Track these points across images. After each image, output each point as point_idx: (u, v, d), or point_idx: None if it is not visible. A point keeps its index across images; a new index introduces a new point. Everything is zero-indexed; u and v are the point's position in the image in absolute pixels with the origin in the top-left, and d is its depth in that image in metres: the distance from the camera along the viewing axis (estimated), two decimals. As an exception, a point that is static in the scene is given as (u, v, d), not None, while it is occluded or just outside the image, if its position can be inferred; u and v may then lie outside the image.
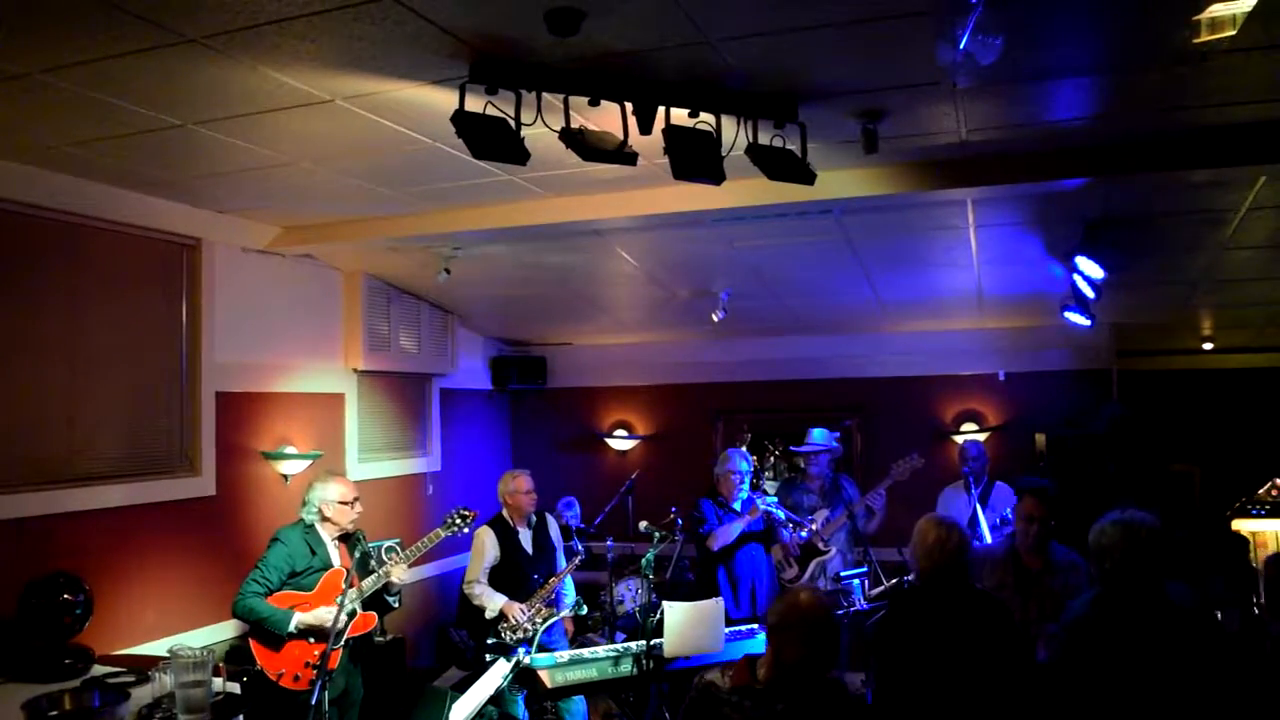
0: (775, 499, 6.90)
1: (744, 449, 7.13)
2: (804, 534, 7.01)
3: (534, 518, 6.49)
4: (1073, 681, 3.63)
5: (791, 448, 7.57)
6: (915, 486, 7.32)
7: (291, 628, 4.93)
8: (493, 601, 6.10)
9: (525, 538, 6.42)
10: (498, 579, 6.23)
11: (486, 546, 6.28)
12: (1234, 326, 8.76)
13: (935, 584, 4.11)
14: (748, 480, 6.88)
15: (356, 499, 5.37)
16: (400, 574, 5.24)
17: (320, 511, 5.28)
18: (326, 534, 5.29)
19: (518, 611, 6.02)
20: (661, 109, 3.85)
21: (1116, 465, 7.68)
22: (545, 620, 5.98)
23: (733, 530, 6.62)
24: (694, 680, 3.52)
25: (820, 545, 7.06)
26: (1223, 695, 3.42)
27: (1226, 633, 4.20)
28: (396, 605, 5.43)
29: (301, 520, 5.31)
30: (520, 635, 5.89)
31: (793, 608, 3.34)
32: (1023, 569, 4.96)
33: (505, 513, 6.45)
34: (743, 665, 3.45)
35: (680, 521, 6.63)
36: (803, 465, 7.51)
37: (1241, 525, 6.69)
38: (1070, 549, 4.92)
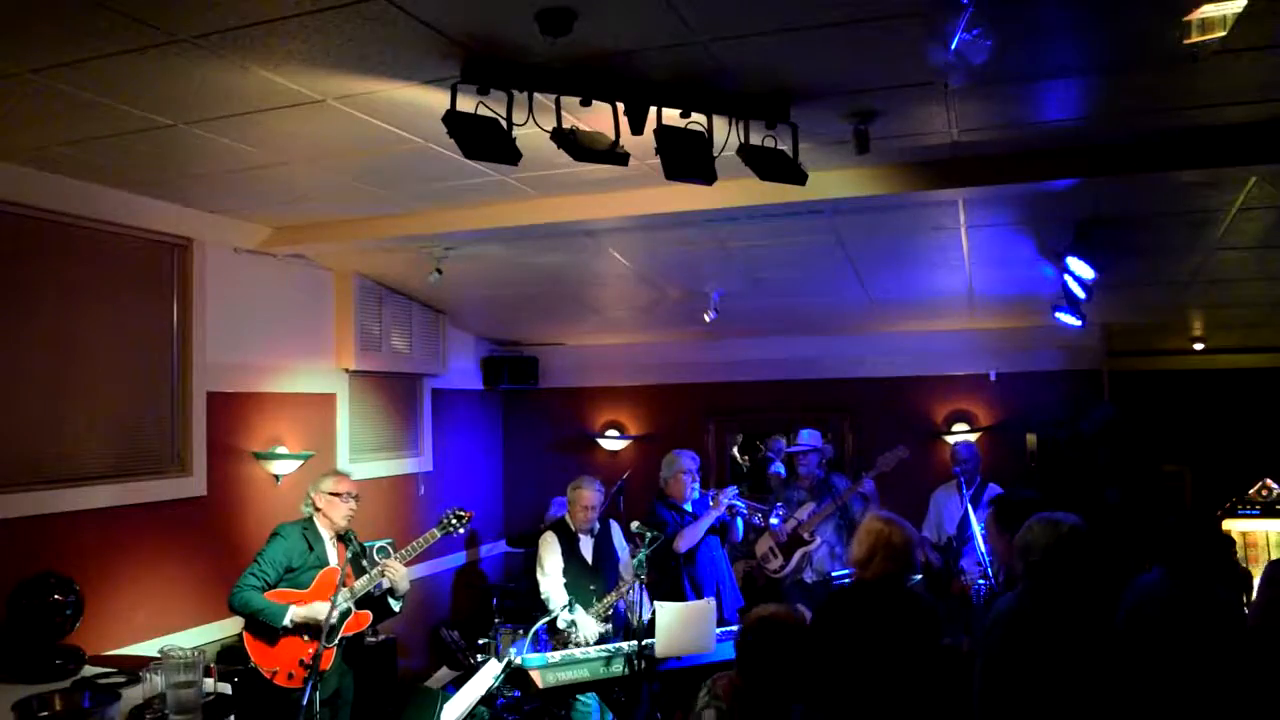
0: (735, 489, 6.88)
1: (691, 451, 7.08)
2: (775, 522, 7.00)
3: (598, 525, 6.33)
4: (997, 673, 3.67)
5: (786, 449, 7.57)
6: (907, 486, 7.34)
7: (286, 621, 4.92)
8: (571, 617, 5.96)
9: (586, 546, 6.26)
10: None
11: (554, 552, 6.15)
12: (1225, 327, 8.79)
13: (877, 585, 4.14)
14: (697, 479, 6.86)
15: (350, 494, 5.31)
16: (399, 575, 5.21)
17: (313, 502, 5.28)
18: (325, 531, 5.27)
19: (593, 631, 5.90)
20: (653, 109, 3.85)
21: (1106, 463, 7.70)
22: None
23: (700, 528, 6.56)
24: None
25: (805, 536, 7.08)
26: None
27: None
28: (399, 610, 5.38)
29: (302, 516, 5.30)
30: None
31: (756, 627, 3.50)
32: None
33: (568, 518, 6.31)
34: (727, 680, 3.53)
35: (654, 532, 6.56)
36: (795, 465, 7.54)
37: (1232, 525, 6.70)
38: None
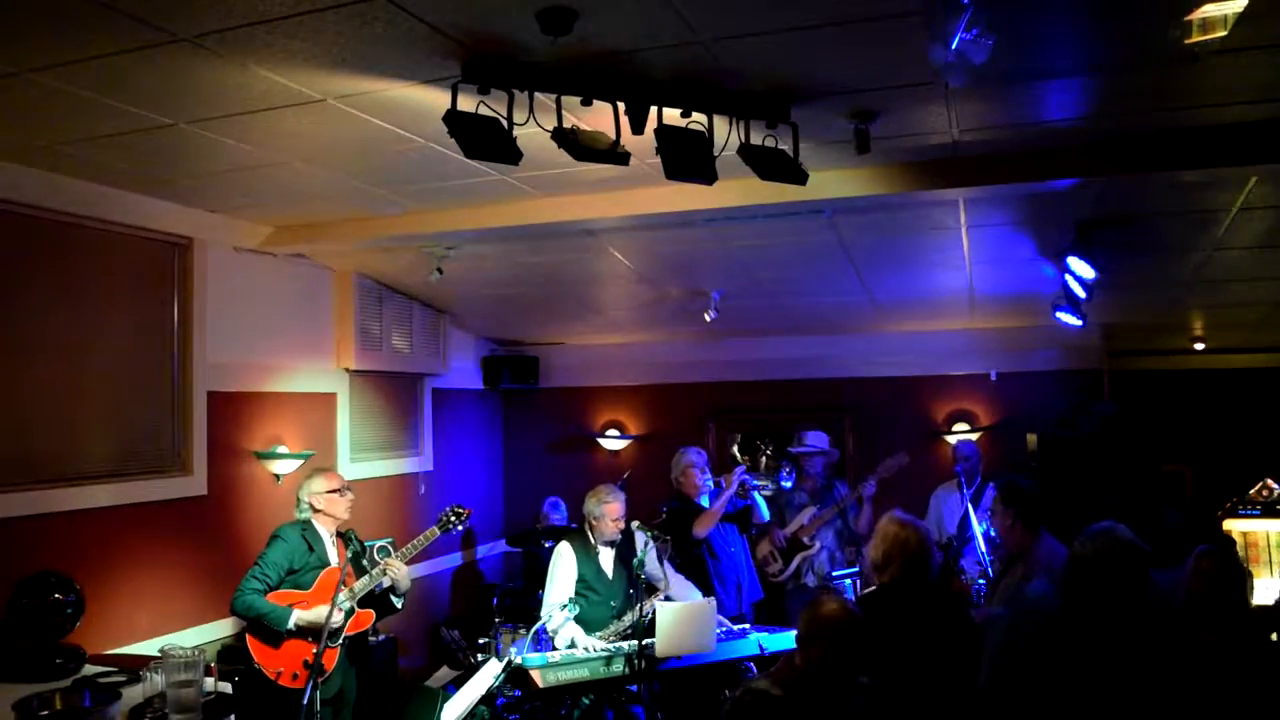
0: (742, 466, 6.84)
1: (699, 448, 7.09)
2: (788, 485, 7.04)
3: (619, 534, 5.88)
4: (1020, 664, 3.67)
5: (789, 449, 7.57)
6: (908, 486, 7.34)
7: (290, 624, 4.92)
8: (565, 636, 5.57)
9: (606, 558, 5.87)
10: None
11: (568, 567, 5.76)
12: (1225, 327, 8.78)
13: (905, 590, 4.10)
14: (707, 469, 6.83)
15: (346, 488, 5.35)
16: (401, 574, 5.21)
17: (311, 505, 5.27)
18: (325, 531, 5.27)
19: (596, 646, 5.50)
20: (654, 109, 3.85)
21: (1107, 463, 7.70)
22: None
23: (715, 510, 6.53)
24: (735, 694, 3.53)
25: (805, 540, 7.09)
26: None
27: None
28: (400, 607, 5.39)
29: (299, 519, 5.31)
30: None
31: (818, 618, 3.45)
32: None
33: (586, 529, 5.93)
34: (784, 663, 3.55)
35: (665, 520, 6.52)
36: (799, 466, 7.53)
37: (1232, 525, 6.69)
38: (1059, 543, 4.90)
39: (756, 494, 6.87)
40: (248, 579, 5.00)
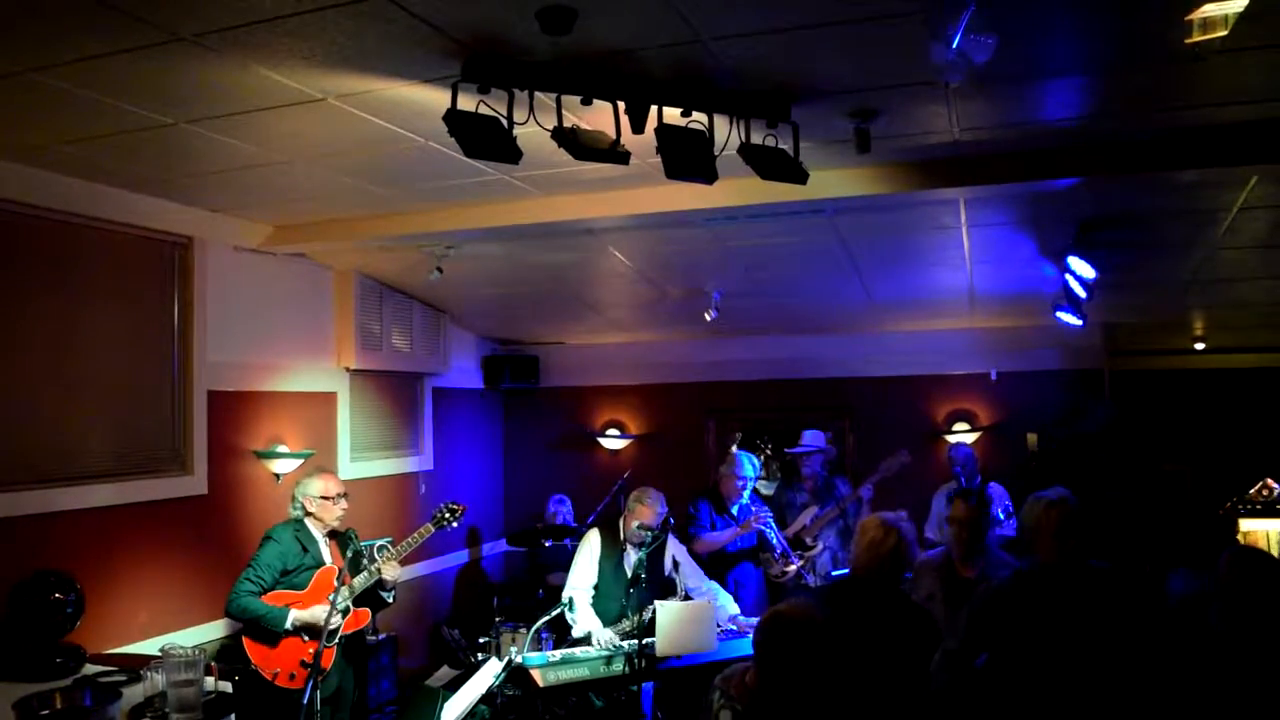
0: (770, 515, 6.84)
1: (753, 454, 7.07)
2: (793, 567, 6.92)
3: (649, 536, 5.73)
4: (992, 648, 3.70)
5: (786, 450, 7.56)
6: (908, 486, 7.33)
7: (288, 625, 4.92)
8: (584, 626, 5.66)
9: (629, 557, 5.92)
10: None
11: (592, 554, 5.92)
12: (1226, 327, 8.77)
13: (864, 585, 4.10)
14: (750, 487, 6.84)
15: (341, 495, 5.34)
16: (393, 571, 5.23)
17: (304, 506, 5.28)
18: (317, 531, 5.28)
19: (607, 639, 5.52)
20: (654, 108, 3.85)
21: (1107, 463, 7.70)
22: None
23: (720, 538, 6.59)
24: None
25: (808, 541, 7.08)
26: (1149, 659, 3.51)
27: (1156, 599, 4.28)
28: (391, 601, 5.42)
29: (292, 518, 5.31)
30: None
31: (772, 624, 3.36)
32: (955, 578, 4.85)
33: (620, 523, 6.01)
34: (738, 679, 3.44)
35: (672, 520, 6.51)
36: (797, 466, 7.53)
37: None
38: (1011, 556, 4.92)
39: (771, 533, 6.86)
40: (241, 582, 5.01)
